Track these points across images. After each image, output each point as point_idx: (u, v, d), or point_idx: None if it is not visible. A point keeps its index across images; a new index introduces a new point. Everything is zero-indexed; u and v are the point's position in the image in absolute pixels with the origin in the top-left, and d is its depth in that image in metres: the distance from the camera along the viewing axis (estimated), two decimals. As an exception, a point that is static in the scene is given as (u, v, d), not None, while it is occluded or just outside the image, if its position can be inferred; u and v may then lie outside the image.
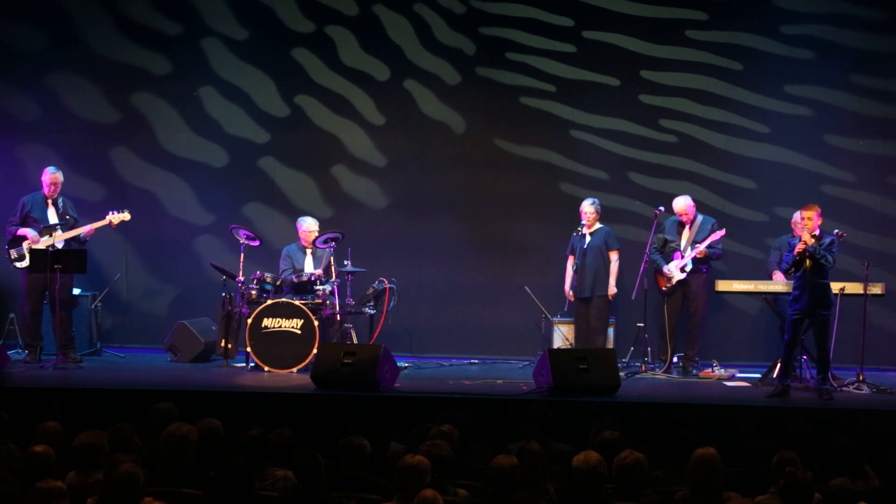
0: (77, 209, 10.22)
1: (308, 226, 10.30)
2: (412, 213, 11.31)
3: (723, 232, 9.82)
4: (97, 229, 9.99)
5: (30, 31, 11.42)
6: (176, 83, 11.42)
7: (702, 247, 9.78)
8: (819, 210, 8.74)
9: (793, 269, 8.71)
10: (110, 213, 9.99)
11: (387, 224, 11.27)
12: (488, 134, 11.24)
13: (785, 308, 9.53)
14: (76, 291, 10.50)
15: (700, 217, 10.03)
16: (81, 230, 9.89)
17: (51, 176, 9.98)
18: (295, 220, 10.50)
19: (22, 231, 9.85)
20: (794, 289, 8.75)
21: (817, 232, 8.65)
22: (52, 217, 9.93)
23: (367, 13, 11.27)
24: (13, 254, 9.83)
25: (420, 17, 11.26)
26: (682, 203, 9.98)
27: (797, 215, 9.67)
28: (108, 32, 11.42)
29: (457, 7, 11.22)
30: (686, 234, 9.98)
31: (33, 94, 11.43)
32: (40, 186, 10.05)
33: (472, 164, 11.26)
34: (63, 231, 9.86)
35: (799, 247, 8.58)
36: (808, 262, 8.59)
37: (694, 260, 9.80)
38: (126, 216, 10.01)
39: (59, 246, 9.78)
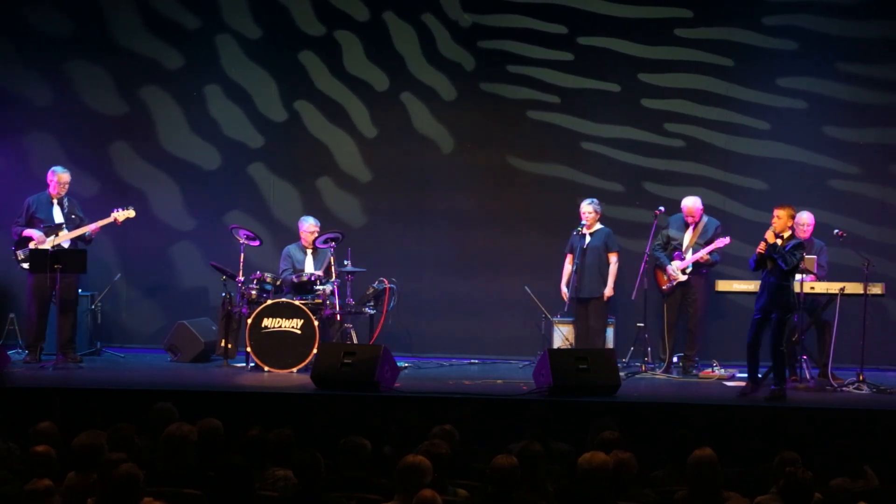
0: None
1: (309, 226, 10.29)
2: (412, 213, 11.31)
3: (727, 240, 9.79)
4: (102, 227, 9.98)
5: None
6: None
7: (703, 252, 9.78)
8: (792, 212, 8.73)
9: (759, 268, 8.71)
10: (115, 210, 9.97)
11: (385, 224, 11.27)
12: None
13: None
14: (76, 291, 10.53)
15: (705, 218, 10.03)
16: (87, 229, 9.88)
17: (58, 175, 9.94)
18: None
19: (27, 232, 9.83)
20: (759, 288, 8.77)
21: (788, 233, 8.64)
22: (58, 217, 9.91)
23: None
24: (20, 255, 9.82)
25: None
26: (691, 203, 9.97)
27: (800, 217, 9.70)
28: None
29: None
30: (689, 234, 9.98)
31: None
32: (43, 179, 10.03)
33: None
34: (69, 230, 9.86)
35: (761, 245, 8.58)
36: (768, 261, 8.58)
37: (695, 262, 9.83)
38: (131, 213, 10.01)
39: (66, 245, 9.76)
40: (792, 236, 8.69)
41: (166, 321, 10.93)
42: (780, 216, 8.64)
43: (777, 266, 8.52)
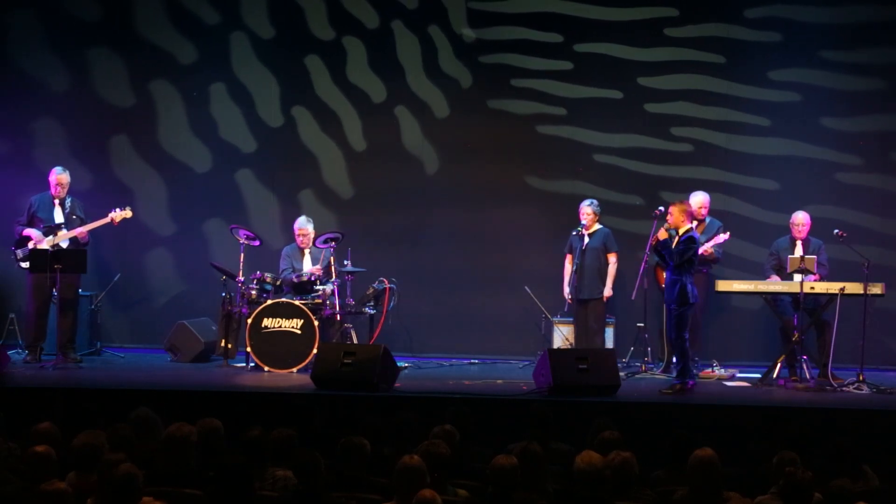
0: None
1: (299, 225, 10.26)
2: (413, 213, 11.31)
3: (727, 235, 9.79)
4: (98, 228, 9.97)
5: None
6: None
7: (707, 245, 9.77)
8: (684, 207, 8.86)
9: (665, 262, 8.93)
10: (113, 210, 9.98)
11: (387, 223, 11.26)
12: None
13: (785, 308, 9.55)
14: (75, 291, 10.53)
15: (708, 218, 10.02)
16: (85, 229, 9.88)
17: (57, 176, 9.96)
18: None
19: (27, 231, 9.85)
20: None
21: (684, 227, 8.75)
22: (59, 217, 9.92)
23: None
24: (19, 254, 9.84)
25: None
26: (701, 198, 9.95)
27: (796, 217, 9.69)
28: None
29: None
30: None
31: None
32: (43, 171, 10.07)
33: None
34: (67, 230, 9.86)
35: (652, 239, 8.83)
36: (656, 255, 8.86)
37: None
38: (128, 213, 10.02)
39: (64, 245, 9.77)
40: (689, 230, 8.79)
41: (166, 321, 10.92)
42: (672, 212, 8.81)
43: (665, 261, 8.78)
